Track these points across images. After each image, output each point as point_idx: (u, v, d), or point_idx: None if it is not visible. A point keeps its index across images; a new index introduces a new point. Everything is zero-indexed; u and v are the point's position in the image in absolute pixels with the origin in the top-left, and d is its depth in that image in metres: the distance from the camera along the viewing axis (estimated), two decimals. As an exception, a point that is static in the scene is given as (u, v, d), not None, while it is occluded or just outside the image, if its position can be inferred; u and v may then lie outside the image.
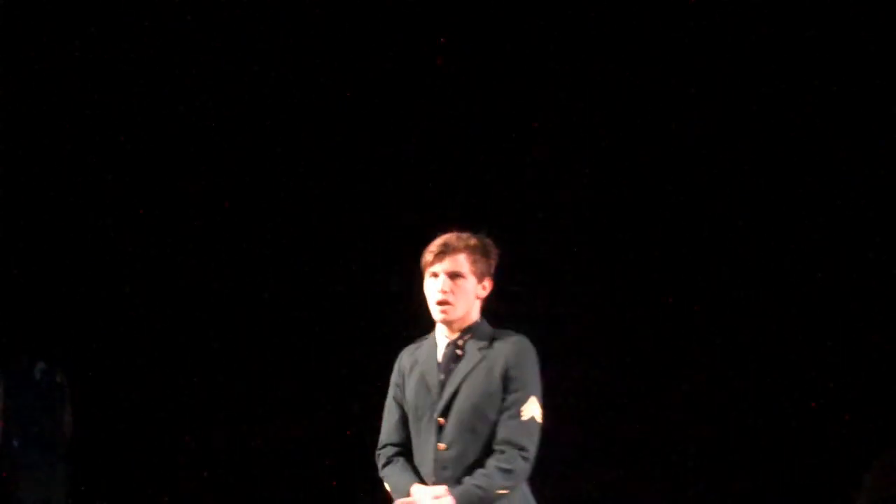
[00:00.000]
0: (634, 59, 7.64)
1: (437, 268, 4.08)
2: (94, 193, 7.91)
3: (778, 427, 7.47)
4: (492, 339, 4.09)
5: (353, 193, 7.74)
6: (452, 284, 4.06)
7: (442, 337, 4.16)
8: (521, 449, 3.97)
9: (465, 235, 4.15)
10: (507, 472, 3.95)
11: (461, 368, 4.08)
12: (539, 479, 4.13)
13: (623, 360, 7.60)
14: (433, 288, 4.08)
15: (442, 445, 4.04)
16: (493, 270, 4.16)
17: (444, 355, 4.12)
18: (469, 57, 7.70)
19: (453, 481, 3.97)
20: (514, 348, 4.06)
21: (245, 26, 7.82)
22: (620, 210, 7.69)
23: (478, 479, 3.95)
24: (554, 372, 4.34)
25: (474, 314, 4.13)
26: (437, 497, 3.92)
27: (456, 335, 4.13)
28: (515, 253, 4.40)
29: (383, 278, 7.32)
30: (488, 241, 4.19)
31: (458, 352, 4.10)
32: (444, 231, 4.25)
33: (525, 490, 4.10)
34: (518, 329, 4.25)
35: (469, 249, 4.10)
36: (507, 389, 4.02)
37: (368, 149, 7.76)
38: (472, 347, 4.10)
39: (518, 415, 3.99)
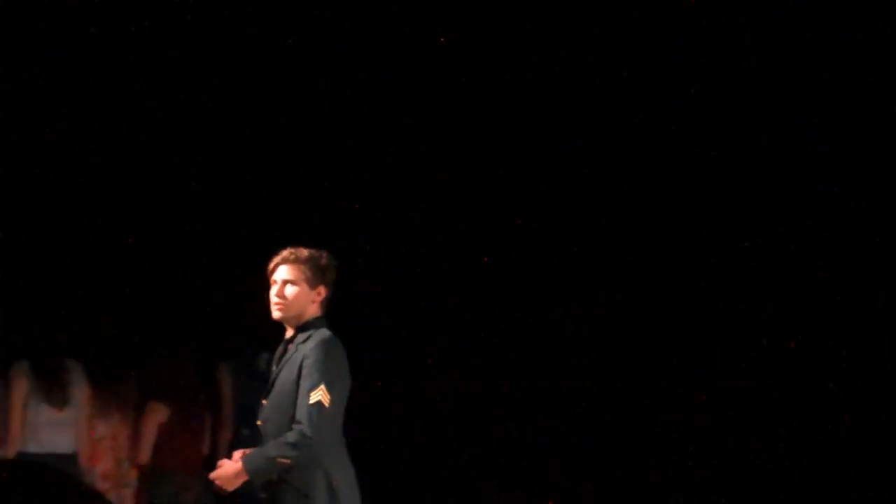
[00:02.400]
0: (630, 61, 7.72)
1: (275, 276, 4.95)
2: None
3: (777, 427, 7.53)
4: (309, 337, 4.88)
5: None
6: (283, 289, 4.91)
7: (286, 334, 5.03)
8: (302, 426, 4.72)
9: (299, 249, 4.99)
10: (288, 444, 4.72)
11: (284, 359, 4.93)
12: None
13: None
14: (270, 293, 4.95)
15: (260, 422, 4.98)
16: (326, 280, 4.94)
17: (280, 349, 4.99)
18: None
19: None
20: (313, 343, 4.84)
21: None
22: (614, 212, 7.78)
23: (265, 447, 4.80)
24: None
25: (308, 315, 4.92)
26: (234, 462, 4.83)
27: (291, 333, 4.98)
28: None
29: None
30: (322, 254, 4.99)
31: (289, 346, 4.94)
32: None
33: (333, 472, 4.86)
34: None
35: (301, 261, 4.93)
36: (302, 377, 4.79)
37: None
38: (297, 343, 4.91)
39: (307, 399, 4.74)
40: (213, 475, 4.89)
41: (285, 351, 4.97)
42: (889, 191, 7.53)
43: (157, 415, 7.18)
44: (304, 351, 4.85)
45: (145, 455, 7.15)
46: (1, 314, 7.46)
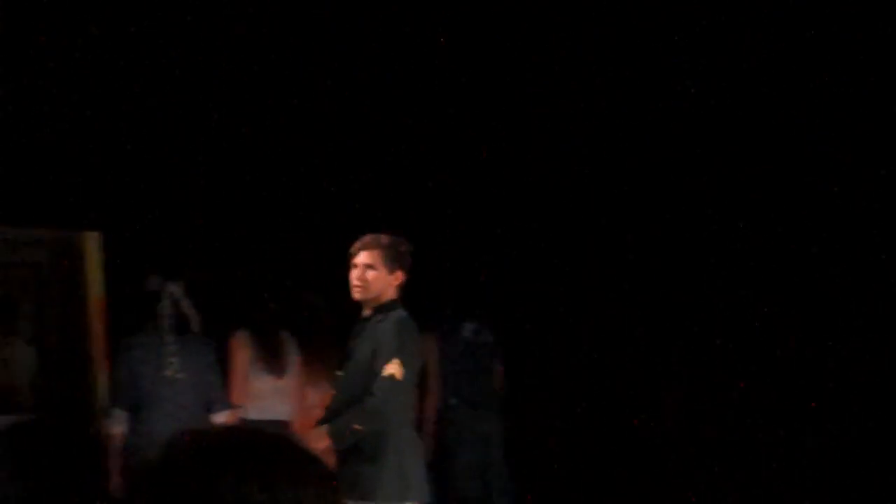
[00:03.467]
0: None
1: (356, 260, 5.43)
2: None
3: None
4: (385, 317, 5.38)
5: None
6: (364, 273, 5.37)
7: (364, 313, 5.54)
8: (375, 397, 5.21)
9: (379, 235, 5.47)
10: (363, 412, 5.21)
11: (361, 337, 5.43)
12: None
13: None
14: (352, 275, 5.43)
15: (334, 392, 5.55)
16: (404, 265, 5.43)
17: (358, 327, 5.50)
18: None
19: (335, 416, 5.41)
20: (390, 323, 5.34)
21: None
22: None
23: (345, 415, 5.29)
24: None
25: (385, 298, 5.45)
26: (318, 433, 5.30)
27: (368, 312, 5.51)
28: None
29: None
30: (401, 241, 5.48)
31: (366, 324, 5.45)
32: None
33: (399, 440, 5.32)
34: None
35: (381, 247, 5.40)
36: (378, 353, 5.30)
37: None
38: (374, 322, 5.40)
39: (382, 372, 5.23)
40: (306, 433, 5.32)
41: (363, 329, 5.44)
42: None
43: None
44: (380, 329, 5.31)
45: None
46: (216, 285, 7.71)
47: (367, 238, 5.49)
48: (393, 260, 5.46)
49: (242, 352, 7.13)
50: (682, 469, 7.65)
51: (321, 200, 8.88)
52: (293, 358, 7.26)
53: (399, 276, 5.48)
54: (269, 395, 7.11)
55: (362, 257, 5.41)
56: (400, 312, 5.47)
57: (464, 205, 8.66)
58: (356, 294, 5.45)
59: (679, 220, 7.94)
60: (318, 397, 7.28)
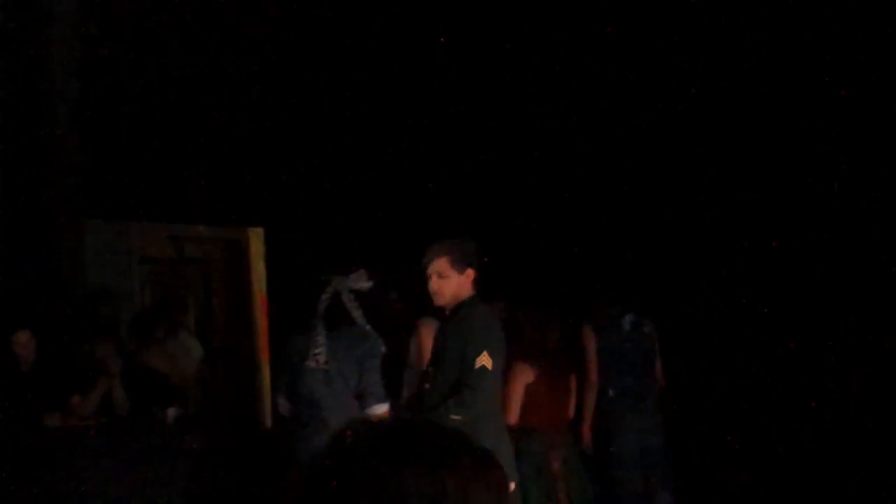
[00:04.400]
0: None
1: (428, 271, 5.65)
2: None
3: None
4: (468, 313, 5.58)
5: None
6: (437, 282, 5.60)
7: (448, 311, 5.75)
8: (470, 388, 5.41)
9: (441, 243, 5.67)
10: (460, 403, 5.41)
11: (446, 334, 5.65)
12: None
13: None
14: (429, 285, 5.66)
15: (427, 386, 5.71)
16: (472, 262, 5.62)
17: (442, 327, 5.75)
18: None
19: (432, 410, 5.55)
20: (474, 318, 5.55)
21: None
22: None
23: (443, 406, 5.45)
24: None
25: (463, 296, 5.63)
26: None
27: (450, 312, 5.70)
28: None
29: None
30: (462, 241, 5.68)
31: (450, 322, 5.64)
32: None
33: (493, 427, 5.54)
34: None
35: (444, 254, 5.60)
36: (468, 346, 5.49)
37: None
38: (458, 319, 5.61)
39: (473, 364, 5.44)
40: None
41: (448, 328, 5.66)
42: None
43: (524, 376, 7.26)
44: (465, 326, 5.53)
45: (514, 415, 7.22)
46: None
47: (433, 248, 5.75)
48: (460, 262, 5.68)
49: (427, 338, 7.17)
50: (840, 460, 7.50)
51: (446, 197, 8.95)
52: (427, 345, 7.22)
53: (470, 274, 5.70)
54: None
55: (432, 268, 5.67)
56: (481, 307, 5.70)
57: (624, 197, 8.62)
58: (436, 301, 5.74)
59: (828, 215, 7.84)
60: None
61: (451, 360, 5.58)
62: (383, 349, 6.33)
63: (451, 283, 5.64)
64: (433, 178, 9.06)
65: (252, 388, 9.65)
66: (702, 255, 8.16)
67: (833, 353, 7.68)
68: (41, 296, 8.06)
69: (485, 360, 5.53)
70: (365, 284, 6.68)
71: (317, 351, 6.35)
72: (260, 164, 9.57)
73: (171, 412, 7.25)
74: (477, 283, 5.74)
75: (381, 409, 6.44)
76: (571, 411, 7.53)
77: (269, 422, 9.26)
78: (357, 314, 6.58)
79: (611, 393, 7.62)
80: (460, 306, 5.67)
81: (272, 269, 9.74)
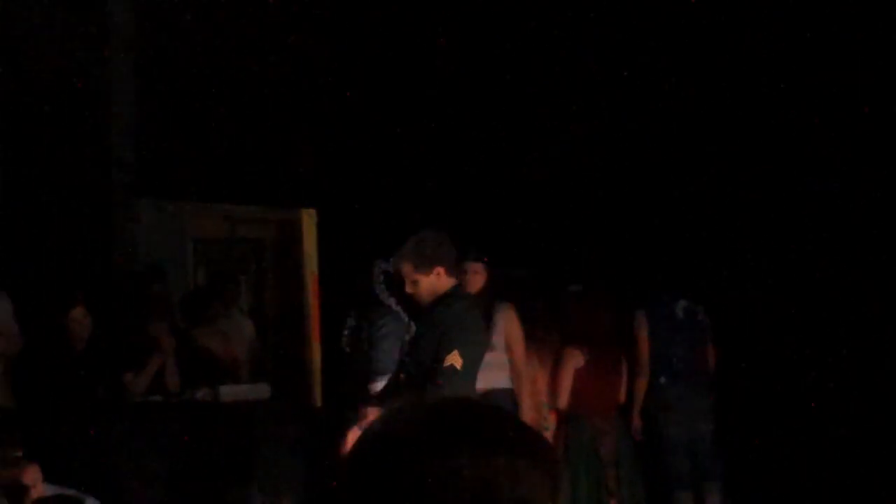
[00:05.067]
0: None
1: (401, 275, 5.61)
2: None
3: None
4: (445, 307, 5.49)
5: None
6: (411, 286, 5.53)
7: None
8: (437, 387, 5.31)
9: (404, 247, 5.56)
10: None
11: (423, 327, 5.62)
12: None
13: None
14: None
15: (402, 376, 5.66)
16: (439, 259, 5.49)
17: (420, 318, 5.71)
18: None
19: None
20: (447, 316, 5.46)
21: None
22: None
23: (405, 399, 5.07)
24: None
25: (440, 291, 5.51)
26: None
27: (428, 307, 5.59)
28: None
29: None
30: (424, 240, 5.54)
31: (428, 314, 5.56)
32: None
33: None
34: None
35: (407, 258, 5.50)
36: (439, 343, 5.42)
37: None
38: (435, 312, 5.52)
39: (442, 363, 5.36)
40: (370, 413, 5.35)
41: (425, 319, 5.59)
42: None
43: (574, 360, 7.25)
44: (440, 320, 5.45)
45: (563, 400, 7.25)
46: None
47: (398, 255, 5.69)
48: (424, 265, 5.54)
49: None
50: (891, 451, 7.43)
51: (495, 181, 8.94)
52: (509, 330, 7.16)
53: (440, 272, 5.55)
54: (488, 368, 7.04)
55: (403, 273, 5.62)
56: (459, 303, 5.59)
57: (681, 187, 8.56)
58: (419, 302, 5.67)
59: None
60: (529, 374, 7.23)
61: (423, 354, 5.52)
62: (410, 329, 6.34)
63: (422, 285, 5.55)
64: (483, 163, 9.06)
65: (303, 367, 9.71)
66: (756, 243, 8.11)
67: (886, 343, 7.62)
68: (96, 274, 8.15)
69: (454, 359, 5.42)
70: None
71: (343, 333, 6.42)
72: (314, 145, 9.61)
73: (225, 390, 7.32)
74: (454, 275, 5.65)
75: (381, 385, 6.44)
76: (622, 397, 7.51)
77: (319, 401, 9.32)
78: (384, 295, 6.59)
79: (662, 380, 7.57)
80: (439, 301, 5.58)
81: (324, 250, 9.79)
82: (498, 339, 6.95)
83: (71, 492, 4.76)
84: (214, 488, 6.75)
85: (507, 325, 6.97)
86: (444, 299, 5.54)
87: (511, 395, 6.99)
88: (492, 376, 6.82)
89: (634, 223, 8.51)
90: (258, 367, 8.42)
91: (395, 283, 6.58)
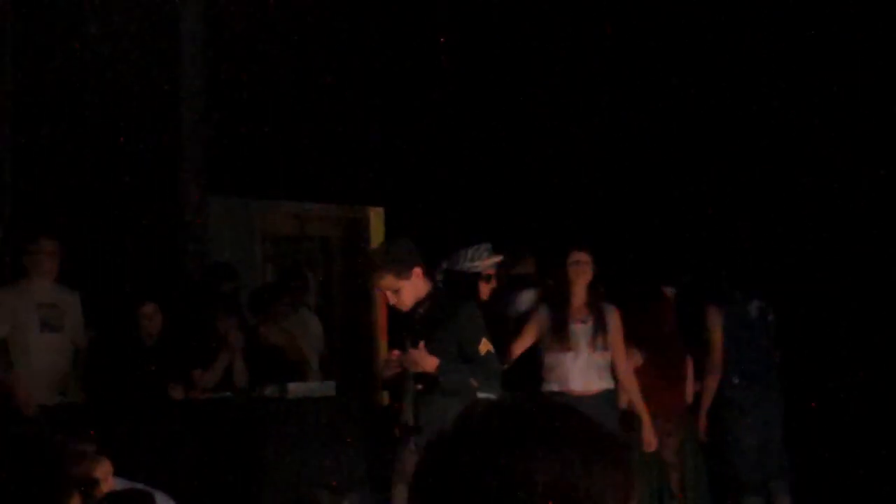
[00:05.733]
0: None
1: (380, 291, 5.71)
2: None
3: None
4: (441, 311, 5.60)
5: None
6: (395, 298, 5.60)
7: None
8: (493, 373, 5.67)
9: (372, 262, 5.71)
10: (481, 376, 5.60)
11: (422, 328, 5.62)
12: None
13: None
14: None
15: (419, 387, 5.67)
16: (413, 261, 5.56)
17: (413, 316, 5.68)
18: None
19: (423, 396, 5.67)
20: (459, 314, 5.61)
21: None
22: None
23: (465, 368, 5.60)
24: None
25: (422, 293, 5.62)
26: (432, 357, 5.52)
27: (411, 309, 5.68)
28: None
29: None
30: (392, 248, 5.70)
31: (418, 312, 5.63)
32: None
33: None
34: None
35: (384, 271, 5.55)
36: (466, 337, 5.59)
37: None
38: (428, 315, 5.60)
39: (478, 354, 5.57)
40: (410, 352, 5.49)
41: (414, 319, 5.62)
42: None
43: (633, 360, 7.16)
44: (443, 318, 5.58)
45: (623, 400, 7.12)
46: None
47: (372, 265, 5.81)
48: (403, 271, 5.62)
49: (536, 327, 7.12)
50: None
51: (564, 181, 8.91)
52: (616, 331, 7.06)
53: (418, 272, 5.66)
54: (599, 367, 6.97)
55: (382, 285, 5.66)
56: (447, 301, 5.75)
57: (754, 187, 8.47)
58: (402, 309, 5.72)
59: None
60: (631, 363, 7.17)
61: (443, 353, 5.60)
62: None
63: (405, 292, 5.62)
64: (545, 160, 9.04)
65: (369, 364, 9.74)
66: (818, 240, 8.01)
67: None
68: (167, 270, 8.23)
69: (486, 345, 5.65)
70: (468, 265, 6.69)
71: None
72: (381, 144, 9.63)
73: (293, 387, 7.35)
74: (428, 273, 5.76)
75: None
76: (688, 398, 7.40)
77: (386, 398, 9.33)
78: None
79: (736, 381, 7.40)
80: (423, 300, 5.68)
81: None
82: (607, 339, 6.86)
83: (141, 486, 4.80)
84: (282, 484, 6.78)
85: (615, 326, 6.90)
86: (429, 297, 5.65)
87: (615, 396, 6.96)
88: (607, 376, 6.85)
89: (700, 221, 8.44)
90: (325, 365, 8.45)
91: (454, 284, 6.60)
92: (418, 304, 5.65)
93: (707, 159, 8.50)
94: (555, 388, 6.79)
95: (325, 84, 9.33)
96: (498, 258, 6.90)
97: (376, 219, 10.11)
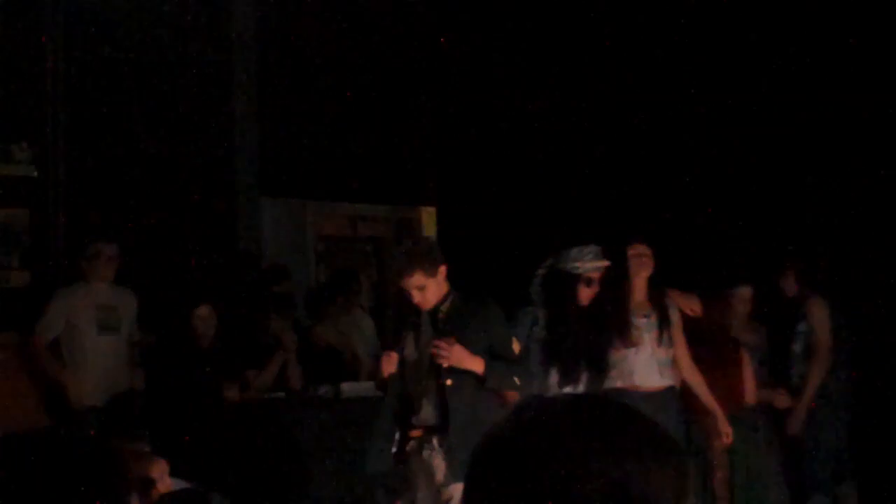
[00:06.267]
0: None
1: (407, 286, 5.58)
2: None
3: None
4: (466, 309, 5.63)
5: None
6: (421, 295, 5.56)
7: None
8: (527, 370, 5.80)
9: (405, 256, 5.66)
10: (526, 378, 5.69)
11: (439, 325, 5.61)
12: None
13: None
14: (414, 299, 5.61)
15: (449, 382, 5.61)
16: (440, 259, 5.61)
17: (424, 317, 5.66)
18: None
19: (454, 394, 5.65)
20: (486, 314, 5.65)
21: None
22: None
23: (509, 367, 5.64)
24: None
25: (443, 292, 5.62)
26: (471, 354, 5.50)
27: (434, 309, 5.65)
28: None
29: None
30: (423, 246, 5.85)
31: (437, 314, 5.63)
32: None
33: None
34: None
35: (416, 266, 5.53)
36: (496, 335, 5.64)
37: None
38: (448, 310, 5.61)
39: (511, 352, 5.65)
40: (455, 348, 5.42)
41: (436, 319, 5.60)
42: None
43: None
44: (469, 316, 5.59)
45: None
46: None
47: (401, 263, 5.72)
48: (432, 268, 5.62)
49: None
50: None
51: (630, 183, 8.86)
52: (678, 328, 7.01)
53: (443, 271, 5.67)
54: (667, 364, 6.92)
55: (410, 282, 5.59)
56: (468, 300, 5.73)
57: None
58: (424, 308, 5.66)
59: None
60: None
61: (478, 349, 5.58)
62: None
63: (430, 290, 5.60)
64: (594, 160, 8.99)
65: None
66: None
67: None
68: (221, 272, 8.28)
69: (517, 344, 5.71)
70: (569, 265, 6.54)
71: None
72: (433, 144, 9.64)
73: (347, 387, 7.38)
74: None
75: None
76: (746, 397, 7.27)
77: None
78: (540, 298, 6.54)
79: (842, 375, 7.34)
80: (443, 301, 5.67)
81: (443, 248, 9.80)
82: (671, 334, 6.80)
83: (196, 486, 4.84)
84: (337, 484, 6.81)
85: (678, 321, 6.83)
86: (448, 296, 5.64)
87: (678, 393, 6.84)
88: (669, 372, 6.75)
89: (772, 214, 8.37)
90: (378, 365, 8.46)
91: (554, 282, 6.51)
92: (440, 303, 5.64)
93: (791, 157, 8.40)
94: (618, 384, 6.63)
95: (377, 85, 9.35)
96: (604, 263, 6.52)
97: (428, 219, 10.12)
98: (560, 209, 8.91)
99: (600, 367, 6.59)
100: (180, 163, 8.38)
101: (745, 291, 7.47)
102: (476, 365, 5.50)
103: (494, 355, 5.59)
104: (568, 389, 6.44)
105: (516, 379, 5.56)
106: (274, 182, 8.85)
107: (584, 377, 6.52)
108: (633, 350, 6.65)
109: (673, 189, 8.72)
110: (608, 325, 6.66)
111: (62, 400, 7.17)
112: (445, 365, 5.49)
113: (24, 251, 7.92)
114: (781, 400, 7.39)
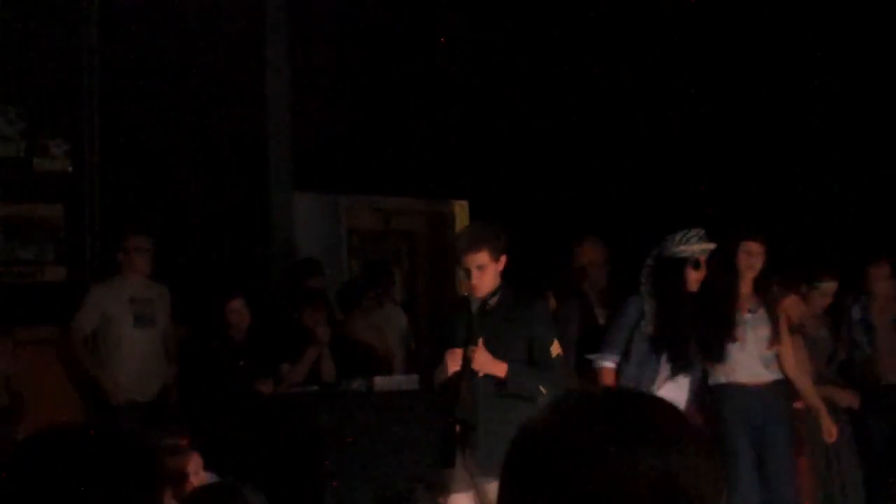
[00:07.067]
0: None
1: (467, 265, 5.44)
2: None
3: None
4: (516, 304, 5.51)
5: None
6: (480, 276, 5.43)
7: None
8: (555, 371, 5.55)
9: (476, 236, 5.50)
10: (551, 381, 5.45)
11: (487, 317, 5.48)
12: None
13: None
14: (470, 279, 5.46)
15: (480, 374, 5.51)
16: (504, 249, 5.45)
17: (476, 309, 5.51)
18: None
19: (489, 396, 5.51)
20: (533, 310, 5.53)
21: None
22: None
23: (533, 369, 5.53)
24: None
25: (498, 282, 5.49)
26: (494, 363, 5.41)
27: (485, 297, 5.51)
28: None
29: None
30: (495, 231, 5.51)
31: (486, 307, 5.50)
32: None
33: None
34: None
35: (484, 246, 5.40)
36: (538, 335, 5.50)
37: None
38: (498, 304, 5.49)
39: (549, 353, 5.50)
40: (478, 352, 5.34)
41: (483, 311, 5.47)
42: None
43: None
44: (518, 313, 5.46)
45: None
46: None
47: (469, 239, 5.54)
48: (498, 252, 5.48)
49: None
50: None
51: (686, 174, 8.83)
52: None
53: (503, 260, 5.52)
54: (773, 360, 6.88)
55: (472, 261, 5.44)
56: (520, 296, 5.62)
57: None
58: (477, 294, 5.51)
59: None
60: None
61: (508, 350, 5.48)
62: None
63: (488, 273, 5.46)
64: (623, 153, 8.96)
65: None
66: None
67: None
68: (254, 266, 8.32)
69: (557, 348, 5.53)
70: (675, 249, 6.43)
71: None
72: (466, 138, 9.64)
73: (380, 381, 7.39)
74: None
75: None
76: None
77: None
78: (647, 286, 6.45)
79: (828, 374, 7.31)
80: (495, 291, 5.53)
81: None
82: (777, 330, 6.72)
83: (230, 480, 4.87)
84: (372, 478, 6.83)
85: (783, 317, 6.77)
86: (501, 291, 5.51)
87: (786, 386, 6.78)
88: (774, 367, 6.68)
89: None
90: (410, 358, 8.48)
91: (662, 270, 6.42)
92: (490, 294, 5.50)
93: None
94: (721, 379, 6.60)
95: (409, 79, 9.36)
96: (710, 245, 6.38)
97: (461, 212, 10.12)
98: (595, 203, 8.90)
99: (717, 356, 6.51)
100: (214, 157, 8.43)
101: (829, 286, 7.42)
102: (499, 370, 5.41)
103: (531, 356, 5.50)
104: (679, 379, 6.37)
105: (542, 388, 5.41)
106: (308, 176, 8.88)
107: (695, 368, 6.44)
108: (736, 345, 6.56)
109: (748, 182, 8.67)
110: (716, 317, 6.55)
111: (98, 393, 7.23)
112: (474, 367, 5.43)
113: (59, 246, 7.98)
114: (845, 398, 7.33)
